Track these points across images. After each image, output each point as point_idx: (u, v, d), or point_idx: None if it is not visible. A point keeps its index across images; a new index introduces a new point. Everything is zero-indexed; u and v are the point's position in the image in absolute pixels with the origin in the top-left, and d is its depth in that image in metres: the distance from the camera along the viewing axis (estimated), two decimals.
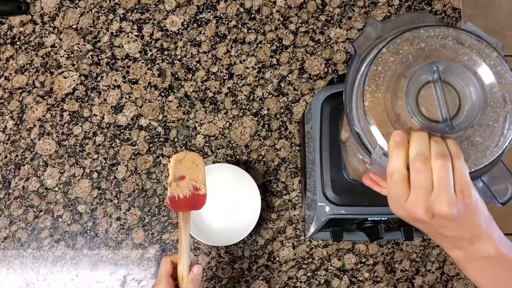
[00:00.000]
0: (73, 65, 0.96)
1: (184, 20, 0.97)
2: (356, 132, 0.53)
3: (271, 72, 0.95)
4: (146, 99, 0.95)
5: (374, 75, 0.51)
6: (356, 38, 0.55)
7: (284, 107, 0.94)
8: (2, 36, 0.96)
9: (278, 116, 0.94)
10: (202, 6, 0.97)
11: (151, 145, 0.93)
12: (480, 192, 0.54)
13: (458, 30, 0.53)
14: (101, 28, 0.97)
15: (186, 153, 0.70)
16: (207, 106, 0.94)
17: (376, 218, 0.77)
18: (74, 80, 0.95)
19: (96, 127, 0.94)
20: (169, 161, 0.69)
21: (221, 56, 0.96)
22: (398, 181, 0.48)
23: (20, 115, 0.94)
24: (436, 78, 0.50)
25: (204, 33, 0.96)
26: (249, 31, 0.96)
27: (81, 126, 0.94)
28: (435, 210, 0.47)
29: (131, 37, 0.96)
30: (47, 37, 0.97)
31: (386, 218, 0.77)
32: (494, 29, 1.78)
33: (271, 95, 0.95)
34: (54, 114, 0.94)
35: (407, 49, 0.52)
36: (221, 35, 0.96)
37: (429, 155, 0.47)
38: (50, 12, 0.97)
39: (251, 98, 0.95)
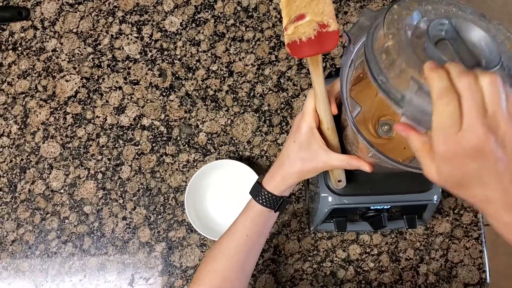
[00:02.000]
0: (74, 68, 0.97)
1: (183, 20, 0.98)
2: (380, 82, 0.49)
3: (270, 69, 0.96)
4: (147, 99, 0.96)
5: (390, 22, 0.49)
6: (351, 28, 0.57)
7: (284, 103, 0.96)
8: (4, 42, 0.98)
9: (278, 111, 0.95)
10: (200, 6, 0.99)
11: (154, 144, 0.94)
12: None
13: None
14: (101, 31, 0.98)
15: None
16: (208, 104, 0.96)
17: (378, 207, 0.78)
18: (76, 83, 0.97)
19: (99, 128, 0.95)
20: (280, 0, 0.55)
21: (221, 54, 0.97)
22: (450, 101, 0.39)
23: (24, 119, 0.95)
24: (451, 33, 0.47)
25: (202, 33, 0.98)
26: (247, 29, 0.98)
27: (85, 128, 0.95)
28: (496, 130, 0.39)
29: (131, 39, 0.98)
30: (48, 41, 0.98)
31: (389, 206, 0.78)
32: None
33: (271, 91, 0.96)
34: (57, 117, 0.95)
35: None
36: (219, 34, 0.98)
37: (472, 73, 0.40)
38: (50, 17, 0.99)
39: (251, 94, 0.96)
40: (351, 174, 0.77)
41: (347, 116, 0.55)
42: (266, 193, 0.66)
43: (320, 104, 0.61)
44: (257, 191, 0.67)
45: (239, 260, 0.68)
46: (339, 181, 0.71)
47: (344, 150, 0.77)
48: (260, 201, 0.67)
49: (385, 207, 0.78)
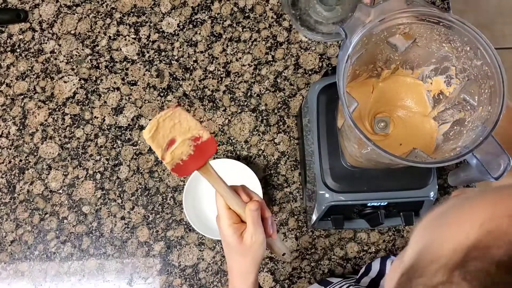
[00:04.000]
0: (72, 69, 0.98)
1: (180, 21, 0.99)
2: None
3: (267, 69, 0.97)
4: (145, 100, 0.96)
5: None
6: (347, 23, 0.58)
7: (281, 102, 0.96)
8: (2, 44, 0.98)
9: (275, 111, 0.96)
10: (197, 7, 0.99)
11: None
12: (474, 168, 0.56)
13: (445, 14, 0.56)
14: (99, 32, 0.99)
15: (156, 119, 0.55)
16: (206, 104, 0.96)
17: (375, 204, 0.78)
18: (74, 84, 0.97)
19: (98, 129, 0.95)
20: (144, 139, 0.56)
21: (218, 55, 0.98)
22: None
23: (23, 120, 0.96)
24: None
25: (200, 33, 0.99)
26: (244, 29, 0.99)
27: (83, 128, 0.96)
28: None
29: (129, 40, 0.98)
30: (46, 43, 0.98)
31: (385, 203, 0.79)
32: (483, 23, 1.81)
33: (268, 91, 0.97)
34: (56, 118, 0.96)
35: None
36: (216, 35, 0.99)
37: None
38: (48, 19, 0.99)
39: (248, 94, 0.97)
40: (348, 172, 0.78)
41: (344, 111, 0.56)
42: None
43: (230, 201, 0.62)
44: None
45: None
46: (283, 254, 0.70)
47: (340, 148, 0.78)
48: None
49: (382, 203, 0.79)
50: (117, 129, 0.95)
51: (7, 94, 0.97)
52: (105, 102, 0.96)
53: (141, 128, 0.95)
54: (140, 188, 0.94)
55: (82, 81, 0.97)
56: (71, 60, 0.98)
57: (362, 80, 0.71)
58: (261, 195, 0.88)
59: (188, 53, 0.98)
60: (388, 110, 0.71)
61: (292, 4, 0.96)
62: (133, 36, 0.98)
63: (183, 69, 0.97)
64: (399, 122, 0.71)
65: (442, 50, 0.63)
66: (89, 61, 0.98)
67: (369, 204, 0.79)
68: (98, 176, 0.94)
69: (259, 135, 0.95)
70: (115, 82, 0.97)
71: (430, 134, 0.68)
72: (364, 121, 0.71)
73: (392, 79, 0.71)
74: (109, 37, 0.99)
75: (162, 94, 0.96)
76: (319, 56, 0.98)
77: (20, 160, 0.95)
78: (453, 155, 0.56)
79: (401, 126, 0.70)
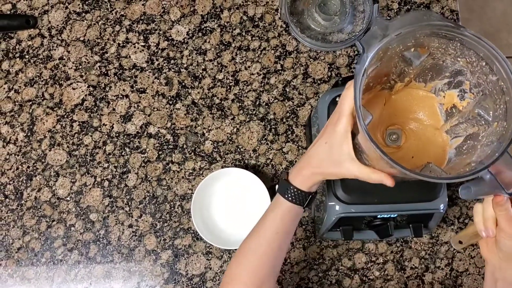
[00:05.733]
0: (81, 76, 0.98)
1: (189, 29, 0.99)
2: None
3: (276, 78, 0.97)
4: (154, 108, 0.96)
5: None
6: (364, 36, 0.57)
7: (290, 111, 0.96)
8: (11, 50, 0.98)
9: (284, 120, 0.96)
10: (206, 16, 1.00)
11: (160, 152, 0.95)
12: (487, 183, 0.56)
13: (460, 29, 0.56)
14: (108, 39, 0.99)
15: None
16: (215, 112, 0.96)
17: (385, 216, 0.78)
18: (83, 91, 0.97)
19: (106, 136, 0.95)
20: None
21: (227, 63, 0.98)
22: None
23: (31, 127, 0.96)
24: None
25: (209, 42, 0.99)
26: (253, 38, 0.99)
27: (91, 136, 0.95)
28: None
29: (138, 48, 0.98)
30: (55, 50, 0.98)
31: (395, 215, 0.79)
32: (489, 32, 1.81)
33: (276, 100, 0.97)
34: (64, 125, 0.96)
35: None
36: (225, 43, 0.99)
37: None
38: (57, 25, 0.99)
39: (257, 103, 0.96)
40: (359, 183, 0.78)
41: (360, 124, 0.55)
42: (295, 190, 0.66)
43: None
44: (285, 188, 0.67)
45: (270, 257, 0.68)
46: (460, 242, 0.72)
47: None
48: (289, 198, 0.66)
49: (392, 215, 0.79)
50: (125, 136, 0.95)
51: (15, 100, 0.97)
52: (113, 109, 0.96)
53: (150, 135, 0.95)
54: (148, 196, 0.94)
55: (91, 88, 0.97)
56: (80, 67, 0.98)
57: (375, 92, 0.71)
58: (269, 204, 0.88)
59: (197, 61, 0.98)
60: (400, 123, 0.71)
61: (291, 13, 0.96)
62: (142, 44, 0.98)
63: (192, 77, 0.97)
64: (411, 134, 0.71)
65: (456, 65, 0.63)
66: (98, 68, 0.98)
67: (379, 216, 0.79)
68: (106, 183, 0.94)
69: (267, 144, 0.95)
70: (124, 90, 0.97)
71: (442, 148, 0.68)
72: (376, 133, 0.71)
73: (404, 92, 0.71)
74: (118, 44, 0.99)
75: (171, 102, 0.96)
76: (328, 66, 0.98)
77: (28, 167, 0.95)
78: (468, 170, 0.56)
79: (413, 138, 0.70)
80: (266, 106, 0.96)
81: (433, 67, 0.66)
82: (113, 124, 0.96)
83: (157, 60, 0.98)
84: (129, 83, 0.97)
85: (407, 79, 0.68)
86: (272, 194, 0.91)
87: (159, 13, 1.00)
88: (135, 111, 0.96)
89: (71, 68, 0.98)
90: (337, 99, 0.82)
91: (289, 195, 0.66)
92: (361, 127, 0.56)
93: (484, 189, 0.59)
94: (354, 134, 0.69)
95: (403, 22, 0.57)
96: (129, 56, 0.98)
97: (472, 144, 0.63)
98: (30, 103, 0.97)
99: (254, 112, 0.96)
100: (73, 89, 0.97)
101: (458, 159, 0.65)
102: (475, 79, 0.62)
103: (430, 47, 0.62)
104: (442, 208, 0.78)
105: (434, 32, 0.58)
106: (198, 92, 0.97)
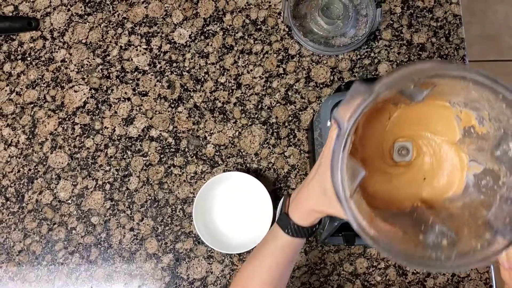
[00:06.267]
0: (83, 79, 0.97)
1: (192, 32, 0.99)
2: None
3: (278, 81, 0.97)
4: (156, 111, 0.96)
5: None
6: (336, 110, 0.48)
7: (292, 115, 0.96)
8: (13, 52, 0.98)
9: (286, 124, 0.96)
10: (208, 19, 0.99)
11: (162, 155, 0.95)
12: None
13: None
14: (110, 42, 0.98)
15: None
16: (217, 116, 0.96)
17: None
18: (84, 94, 0.97)
19: (108, 139, 0.95)
20: None
21: (229, 66, 0.98)
22: None
23: (32, 129, 0.96)
24: None
25: (211, 45, 0.98)
26: (256, 41, 0.98)
27: (93, 138, 0.95)
28: None
29: (140, 50, 0.98)
30: (57, 52, 0.98)
31: None
32: (491, 35, 1.81)
33: (279, 104, 0.96)
34: (65, 128, 0.96)
35: None
36: (228, 46, 0.98)
37: None
38: (59, 27, 0.99)
39: (259, 107, 0.96)
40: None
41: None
42: (295, 226, 0.65)
43: None
44: (286, 223, 0.65)
45: (271, 285, 0.67)
46: None
47: None
48: (290, 233, 0.65)
49: None
50: (127, 139, 0.95)
51: (17, 102, 0.97)
52: (115, 112, 0.96)
53: (152, 139, 0.95)
54: (149, 199, 0.93)
55: (93, 91, 0.97)
56: (82, 69, 0.98)
57: (377, 109, 0.62)
58: (271, 208, 0.88)
59: (200, 64, 0.98)
60: (410, 136, 0.63)
61: (293, 17, 0.96)
62: (145, 47, 0.98)
63: (194, 81, 0.97)
64: (423, 149, 0.63)
65: (471, 95, 0.54)
66: (100, 70, 0.98)
67: None
68: (107, 186, 0.94)
69: (269, 148, 0.95)
70: (126, 93, 0.97)
71: (459, 170, 0.60)
72: (382, 151, 0.64)
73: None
74: (120, 47, 0.98)
75: (173, 105, 0.96)
76: (331, 70, 0.97)
77: (29, 170, 0.94)
78: (479, 248, 0.48)
79: (425, 154, 0.63)
80: (268, 110, 0.96)
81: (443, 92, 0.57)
82: (115, 127, 0.96)
83: (159, 63, 0.98)
84: (131, 86, 0.97)
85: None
86: (273, 198, 0.91)
87: (161, 16, 0.99)
88: (137, 114, 0.96)
89: (73, 70, 0.98)
90: (339, 104, 0.81)
91: (290, 230, 0.65)
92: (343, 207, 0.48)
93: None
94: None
95: (388, 85, 0.47)
96: (131, 59, 0.98)
97: (491, 185, 0.55)
98: (32, 105, 0.96)
99: (256, 115, 0.96)
100: (75, 91, 0.97)
101: (475, 196, 0.57)
102: (494, 113, 0.53)
103: (434, 84, 0.53)
104: None
105: (437, 74, 0.48)
106: (200, 96, 0.97)
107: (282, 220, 0.66)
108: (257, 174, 0.95)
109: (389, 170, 0.63)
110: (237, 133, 0.96)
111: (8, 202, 0.94)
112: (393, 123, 0.63)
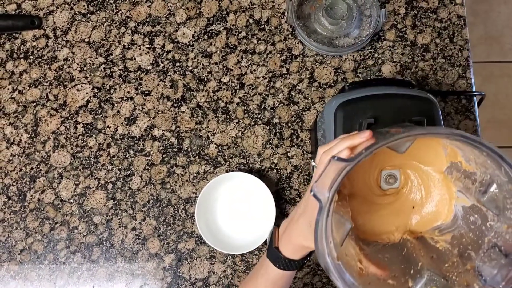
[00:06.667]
0: (86, 78, 0.97)
1: (195, 32, 0.99)
2: None
3: (281, 82, 0.97)
4: (159, 110, 0.96)
5: None
6: (315, 185, 0.48)
7: (295, 116, 0.96)
8: (16, 51, 0.98)
9: (289, 124, 0.96)
10: (212, 18, 0.99)
11: (164, 155, 0.94)
12: None
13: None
14: (113, 41, 0.98)
15: None
16: (219, 115, 0.96)
17: None
18: (87, 93, 0.97)
19: (110, 138, 0.95)
20: None
21: (232, 66, 0.97)
22: None
23: (35, 128, 0.95)
24: None
25: (214, 45, 0.98)
26: (259, 41, 0.98)
27: (95, 138, 0.95)
28: None
29: (143, 50, 0.98)
30: (60, 51, 0.98)
31: None
32: (494, 36, 1.81)
33: (282, 104, 0.96)
34: (68, 127, 0.95)
35: None
36: (231, 46, 0.98)
37: None
38: (62, 26, 0.99)
39: (262, 107, 0.96)
40: None
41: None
42: (286, 260, 0.64)
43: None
44: (276, 257, 0.65)
45: None
46: None
47: None
48: (281, 267, 0.65)
49: None
50: (129, 139, 0.95)
51: (19, 101, 0.96)
52: (118, 111, 0.96)
53: (154, 138, 0.95)
54: (152, 199, 0.93)
55: (95, 90, 0.97)
56: (85, 68, 0.97)
57: None
58: (273, 209, 0.87)
59: (203, 64, 0.97)
60: (397, 164, 0.64)
61: (297, 17, 0.96)
62: (148, 46, 0.98)
63: (197, 80, 0.97)
64: (411, 177, 0.63)
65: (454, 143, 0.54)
66: (102, 69, 0.97)
67: None
68: (109, 186, 0.94)
69: (272, 148, 0.95)
70: (128, 92, 0.96)
71: (448, 199, 0.60)
72: (369, 179, 0.64)
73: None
74: (123, 46, 0.98)
75: (175, 105, 0.96)
76: (334, 70, 0.97)
77: (31, 168, 0.94)
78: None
79: (413, 183, 0.63)
80: (271, 110, 0.96)
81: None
82: (118, 126, 0.95)
83: (162, 62, 0.97)
84: (134, 85, 0.97)
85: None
86: (276, 199, 0.91)
87: (164, 15, 0.99)
88: (139, 113, 0.96)
89: (76, 69, 0.97)
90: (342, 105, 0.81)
91: (281, 265, 0.65)
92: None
93: None
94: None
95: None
96: (134, 58, 0.98)
97: (479, 224, 0.54)
98: (34, 104, 0.96)
99: (259, 116, 0.96)
100: (78, 90, 0.97)
101: (464, 231, 0.56)
102: (480, 160, 0.52)
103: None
104: None
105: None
106: (203, 95, 0.96)
107: (273, 254, 0.66)
108: (260, 174, 0.94)
109: (377, 200, 0.63)
110: (240, 133, 0.95)
111: (10, 201, 0.93)
112: (379, 154, 0.62)
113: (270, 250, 0.66)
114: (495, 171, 0.49)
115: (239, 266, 0.91)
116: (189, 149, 0.95)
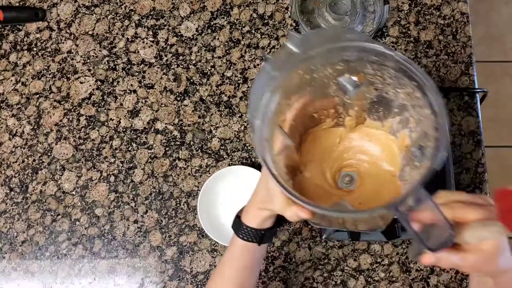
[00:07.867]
0: (89, 70, 0.97)
1: (199, 26, 0.99)
2: None
3: None
4: (162, 104, 0.96)
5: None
6: (275, 53, 0.52)
7: None
8: (19, 43, 0.98)
9: None
10: (216, 12, 0.99)
11: (167, 148, 0.94)
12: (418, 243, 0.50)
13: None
14: (117, 34, 0.98)
15: None
16: (222, 109, 0.96)
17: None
18: (90, 85, 0.97)
19: (113, 131, 0.95)
20: None
21: (235, 60, 0.97)
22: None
23: (37, 120, 0.95)
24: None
25: (218, 39, 0.98)
26: (263, 36, 0.98)
27: (98, 130, 0.95)
28: None
29: (147, 43, 0.98)
30: (63, 43, 0.98)
31: None
32: (494, 35, 1.81)
33: None
34: (71, 119, 0.95)
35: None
36: (235, 40, 0.98)
37: None
38: (66, 18, 0.99)
39: None
40: None
41: (257, 152, 0.52)
42: (246, 228, 0.66)
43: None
44: (238, 226, 0.67)
45: None
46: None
47: None
48: (242, 237, 0.66)
49: None
50: (132, 132, 0.95)
51: (22, 93, 0.96)
52: (121, 104, 0.96)
53: (157, 131, 0.95)
54: (154, 192, 0.93)
55: (99, 83, 0.97)
56: (88, 61, 0.97)
57: (328, 127, 0.68)
58: None
59: (206, 58, 0.97)
60: (355, 164, 0.66)
61: (301, 12, 0.96)
62: (151, 39, 0.98)
63: (201, 74, 0.97)
64: (367, 179, 0.66)
65: (399, 98, 0.57)
66: (106, 62, 0.97)
67: None
68: (112, 178, 0.94)
69: None
70: (131, 85, 0.97)
71: (394, 195, 0.62)
72: (326, 173, 0.67)
73: (364, 132, 0.67)
74: (127, 39, 0.98)
75: (178, 99, 0.96)
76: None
77: (34, 160, 0.94)
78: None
79: (368, 183, 0.65)
80: None
81: (381, 101, 0.61)
82: (120, 119, 0.95)
83: (165, 56, 0.98)
84: (137, 78, 0.97)
85: (354, 112, 0.64)
86: None
87: (168, 9, 0.99)
88: (142, 106, 0.96)
89: (79, 62, 0.97)
90: None
91: (242, 234, 0.66)
92: (259, 155, 0.53)
93: (416, 249, 0.53)
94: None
95: (316, 40, 0.52)
96: (138, 51, 0.98)
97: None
98: (37, 96, 0.96)
99: None
100: (81, 83, 0.97)
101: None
102: (416, 114, 0.56)
103: (366, 73, 0.56)
104: None
105: (360, 56, 0.53)
106: (206, 89, 0.96)
107: (235, 225, 0.68)
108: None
109: (332, 191, 0.66)
110: (242, 127, 0.95)
111: (12, 193, 0.93)
112: (341, 150, 0.67)
113: (234, 221, 0.69)
114: (424, 111, 0.54)
115: None
116: (191, 143, 0.95)
